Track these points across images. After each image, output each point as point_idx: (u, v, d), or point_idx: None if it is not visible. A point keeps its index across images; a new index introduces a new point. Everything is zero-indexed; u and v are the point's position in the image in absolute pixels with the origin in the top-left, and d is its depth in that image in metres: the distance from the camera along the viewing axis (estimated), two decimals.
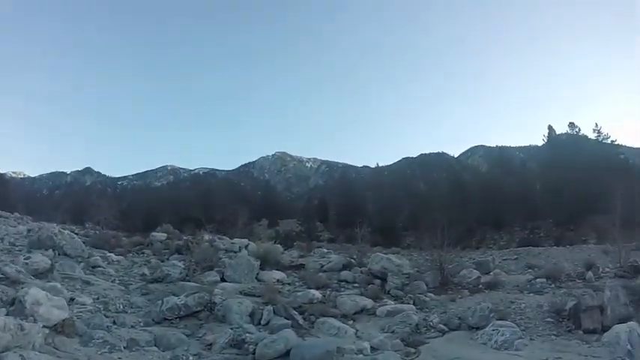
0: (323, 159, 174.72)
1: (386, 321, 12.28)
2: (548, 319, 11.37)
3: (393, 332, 11.23)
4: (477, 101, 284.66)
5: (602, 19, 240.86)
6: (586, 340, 9.91)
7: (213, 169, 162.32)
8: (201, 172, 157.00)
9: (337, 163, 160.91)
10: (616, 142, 52.30)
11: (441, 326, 11.77)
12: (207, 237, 21.15)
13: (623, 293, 10.86)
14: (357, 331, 11.47)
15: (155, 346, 9.09)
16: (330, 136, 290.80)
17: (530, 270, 19.39)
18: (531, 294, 14.14)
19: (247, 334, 9.78)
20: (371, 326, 12.07)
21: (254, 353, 8.97)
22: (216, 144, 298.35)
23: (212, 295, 12.14)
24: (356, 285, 16.56)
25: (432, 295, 15.20)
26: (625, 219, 18.74)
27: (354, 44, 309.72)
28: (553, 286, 14.84)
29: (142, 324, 10.51)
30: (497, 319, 11.08)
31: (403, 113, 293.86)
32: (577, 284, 14.65)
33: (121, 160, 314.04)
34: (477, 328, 11.16)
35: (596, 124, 50.11)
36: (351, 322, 12.28)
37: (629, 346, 7.97)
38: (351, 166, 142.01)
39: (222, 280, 15.48)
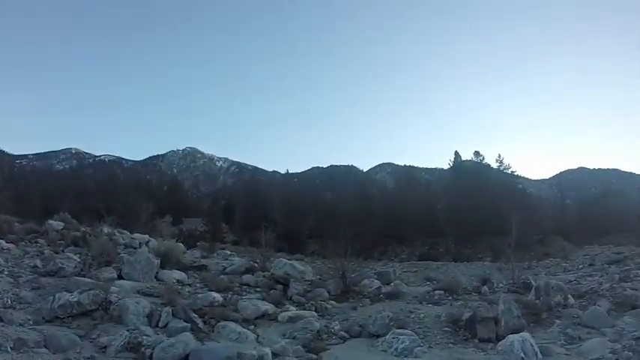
0: (234, 159, 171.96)
1: (287, 327, 12.03)
2: (446, 329, 11.69)
3: (294, 338, 11.01)
4: (390, 119, 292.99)
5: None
6: (482, 348, 10.28)
7: (119, 158, 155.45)
8: (106, 160, 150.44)
9: (248, 165, 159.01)
10: (515, 173, 56.46)
11: (343, 333, 11.70)
12: (106, 229, 19.81)
13: (516, 306, 11.46)
14: (258, 336, 11.12)
15: (45, 347, 8.31)
16: (244, 138, 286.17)
17: (429, 282, 20.09)
18: (430, 305, 14.51)
19: (144, 337, 9.17)
20: (272, 332, 11.77)
21: (151, 357, 8.44)
22: (126, 132, 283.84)
23: (108, 294, 11.27)
24: (258, 289, 16.12)
25: (333, 302, 15.17)
26: (518, 241, 19.90)
27: (274, 47, 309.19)
28: (450, 298, 15.39)
29: (31, 322, 9.58)
30: (397, 328, 11.15)
31: (315, 124, 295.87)
32: (473, 297, 15.37)
33: (21, 136, 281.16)
34: (378, 336, 11.19)
35: (499, 155, 54.74)
36: (252, 327, 11.86)
37: (522, 354, 8.53)
38: (262, 169, 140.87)
39: (120, 277, 14.32)
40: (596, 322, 10.93)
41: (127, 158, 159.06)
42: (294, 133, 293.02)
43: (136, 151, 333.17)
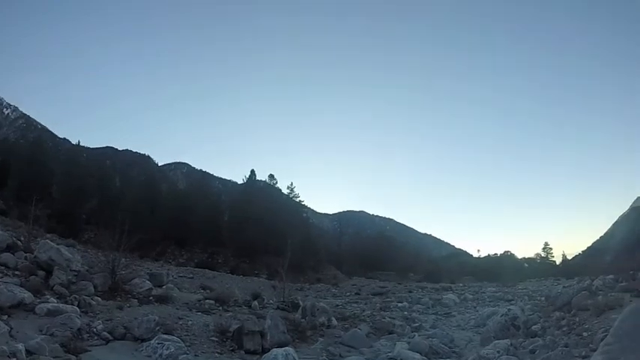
0: (24, 112, 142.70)
1: (46, 321, 10.51)
2: (214, 338, 11.46)
3: (52, 335, 9.65)
4: (195, 118, 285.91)
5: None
6: (247, 359, 10.21)
7: None
8: None
9: (38, 123, 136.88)
10: (303, 203, 59.31)
11: (106, 334, 10.71)
12: None
13: (282, 323, 11.73)
14: (11, 329, 9.41)
15: None
16: (35, 88, 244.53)
17: (202, 290, 19.70)
18: (199, 313, 14.21)
19: None
20: (28, 325, 10.15)
21: None
22: None
23: None
24: (17, 273, 13.98)
25: (99, 299, 13.85)
26: (295, 264, 20.69)
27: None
28: (221, 308, 15.26)
29: None
30: (163, 333, 10.66)
31: (115, 103, 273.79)
32: (243, 310, 15.46)
33: None
34: (143, 340, 10.54)
35: (292, 183, 56.83)
36: (5, 317, 10.11)
37: None
38: (51, 133, 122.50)
39: None
40: (355, 343, 11.76)
41: None
42: (92, 104, 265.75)
43: None
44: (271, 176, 56.23)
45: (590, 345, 10.08)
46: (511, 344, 11.56)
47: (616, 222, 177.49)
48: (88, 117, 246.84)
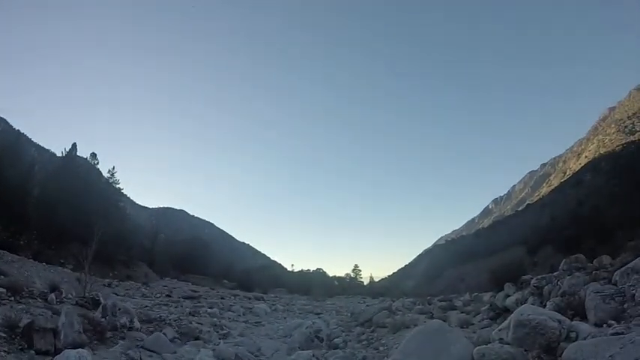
0: None
1: None
2: (2, 334, 10.05)
3: None
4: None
5: None
6: None
7: None
8: None
9: None
10: (122, 190, 55.78)
11: None
12: None
13: (79, 321, 10.72)
14: None
15: None
16: None
17: None
18: None
19: None
20: None
21: None
22: None
23: None
24: None
25: None
26: (105, 257, 19.33)
27: None
28: (13, 299, 13.48)
29: None
30: None
31: None
32: (38, 303, 13.78)
33: None
34: None
35: (114, 168, 52.72)
36: None
37: None
38: None
39: None
40: (158, 347, 11.20)
41: None
42: None
43: None
44: (93, 155, 51.71)
45: (385, 358, 10.90)
46: (313, 355, 12.02)
47: (420, 254, 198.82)
48: None
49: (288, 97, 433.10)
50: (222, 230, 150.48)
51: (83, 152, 52.01)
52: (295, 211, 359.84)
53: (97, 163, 51.53)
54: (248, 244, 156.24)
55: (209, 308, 22.38)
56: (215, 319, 18.82)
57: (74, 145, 50.61)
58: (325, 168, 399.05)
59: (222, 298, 29.88)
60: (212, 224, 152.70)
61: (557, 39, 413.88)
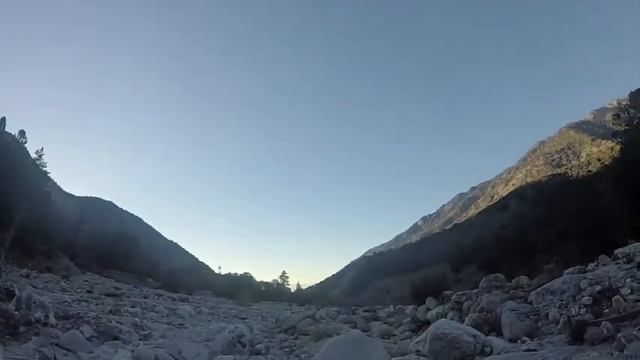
0: None
1: None
2: None
3: None
4: None
5: None
6: None
7: None
8: None
9: None
10: (49, 174, 52.88)
11: None
12: None
13: None
14: None
15: None
16: None
17: None
18: None
19: None
20: None
21: None
22: None
23: None
24: None
25: None
26: (25, 244, 18.38)
27: None
28: None
29: None
30: None
31: None
32: None
33: None
34: None
35: (42, 149, 49.46)
36: None
37: None
38: None
39: None
40: (74, 346, 10.77)
41: None
42: None
43: None
44: (22, 132, 47.97)
45: None
46: None
47: (348, 265, 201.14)
48: None
49: (226, 91, 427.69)
50: (150, 226, 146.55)
51: (11, 129, 48.93)
52: (226, 214, 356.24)
53: (25, 142, 48.29)
54: (176, 243, 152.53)
55: (131, 307, 21.71)
56: (137, 318, 18.28)
57: (3, 120, 47.39)
58: (260, 173, 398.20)
59: (145, 298, 29.08)
60: (140, 219, 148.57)
61: (494, 75, 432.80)
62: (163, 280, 54.26)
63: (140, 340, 14.21)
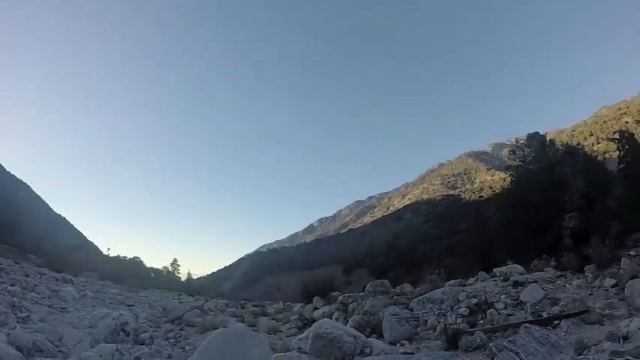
0: None
1: None
2: None
3: None
4: None
5: None
6: None
7: None
8: None
9: None
10: None
11: None
12: None
13: None
14: None
15: None
16: None
17: None
18: None
19: None
20: None
21: None
22: None
23: None
24: None
25: None
26: None
27: None
28: None
29: None
30: None
31: None
32: None
33: None
34: None
35: None
36: None
37: None
38: None
39: None
40: None
41: None
42: None
43: None
44: None
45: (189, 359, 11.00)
46: (117, 349, 11.68)
47: (242, 258, 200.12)
48: None
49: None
50: (38, 196, 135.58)
51: None
52: (120, 191, 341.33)
53: None
54: (64, 218, 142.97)
55: (10, 285, 20.48)
56: (15, 298, 17.24)
57: None
58: (159, 156, 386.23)
59: (26, 276, 27.39)
60: (29, 186, 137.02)
61: (407, 99, 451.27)
62: (47, 257, 51.11)
63: (17, 322, 13.43)
